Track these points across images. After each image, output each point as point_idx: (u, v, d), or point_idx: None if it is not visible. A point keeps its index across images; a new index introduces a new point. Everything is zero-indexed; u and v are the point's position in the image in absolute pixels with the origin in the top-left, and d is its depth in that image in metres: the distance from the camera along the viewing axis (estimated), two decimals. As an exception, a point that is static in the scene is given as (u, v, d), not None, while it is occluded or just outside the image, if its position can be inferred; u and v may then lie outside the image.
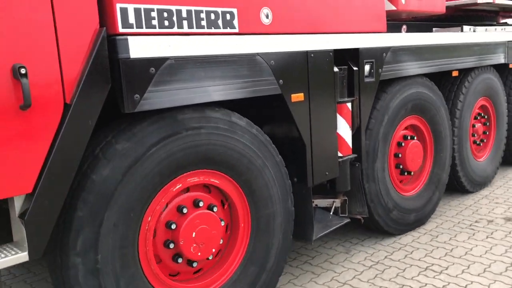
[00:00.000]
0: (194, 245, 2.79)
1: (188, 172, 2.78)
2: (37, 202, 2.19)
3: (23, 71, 2.08)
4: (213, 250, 2.93)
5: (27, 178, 2.17)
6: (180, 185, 2.77)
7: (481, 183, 5.80)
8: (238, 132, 2.97)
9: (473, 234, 4.50)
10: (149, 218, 2.65)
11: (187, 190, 2.87)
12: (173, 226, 2.73)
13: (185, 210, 2.78)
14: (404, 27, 5.41)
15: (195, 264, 2.87)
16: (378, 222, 4.28)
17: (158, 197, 2.67)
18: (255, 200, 3.12)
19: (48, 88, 2.19)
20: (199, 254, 2.83)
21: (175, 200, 2.79)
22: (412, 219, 4.61)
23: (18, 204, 2.23)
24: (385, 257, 4.13)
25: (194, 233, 2.80)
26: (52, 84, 2.21)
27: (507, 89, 6.28)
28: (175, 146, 2.65)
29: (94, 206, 2.40)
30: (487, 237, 4.42)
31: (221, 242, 3.03)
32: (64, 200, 2.30)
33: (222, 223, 2.99)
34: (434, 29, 5.65)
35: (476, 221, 4.82)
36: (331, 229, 3.82)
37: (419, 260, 4.05)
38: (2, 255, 2.17)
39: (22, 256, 2.19)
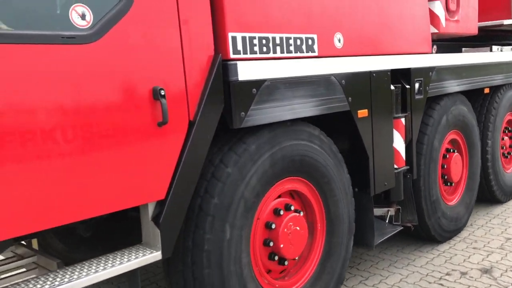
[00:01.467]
0: (289, 244, 3.11)
1: (284, 179, 3.12)
2: (169, 207, 2.50)
3: (162, 92, 2.40)
4: (301, 249, 3.24)
5: (161, 186, 2.48)
6: (278, 189, 3.11)
7: (511, 193, 6.13)
8: (317, 143, 3.33)
9: (441, 293, 3.86)
10: (257, 219, 2.99)
11: (278, 196, 3.19)
12: (273, 226, 3.05)
13: (281, 212, 3.10)
14: (435, 47, 5.76)
15: (286, 262, 3.18)
16: (429, 230, 4.58)
17: (264, 200, 3.00)
18: (329, 201, 3.46)
19: (178, 108, 2.51)
20: (292, 253, 3.15)
21: (272, 204, 3.11)
22: (452, 227, 4.92)
23: (151, 209, 2.53)
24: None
25: (289, 233, 3.12)
26: (180, 104, 2.53)
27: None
28: (279, 155, 3.01)
29: (221, 209, 2.72)
30: (456, 297, 3.81)
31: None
32: (188, 205, 2.60)
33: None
34: (463, 49, 6.00)
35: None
36: (388, 236, 4.13)
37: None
38: (140, 254, 2.46)
39: (157, 255, 2.48)
